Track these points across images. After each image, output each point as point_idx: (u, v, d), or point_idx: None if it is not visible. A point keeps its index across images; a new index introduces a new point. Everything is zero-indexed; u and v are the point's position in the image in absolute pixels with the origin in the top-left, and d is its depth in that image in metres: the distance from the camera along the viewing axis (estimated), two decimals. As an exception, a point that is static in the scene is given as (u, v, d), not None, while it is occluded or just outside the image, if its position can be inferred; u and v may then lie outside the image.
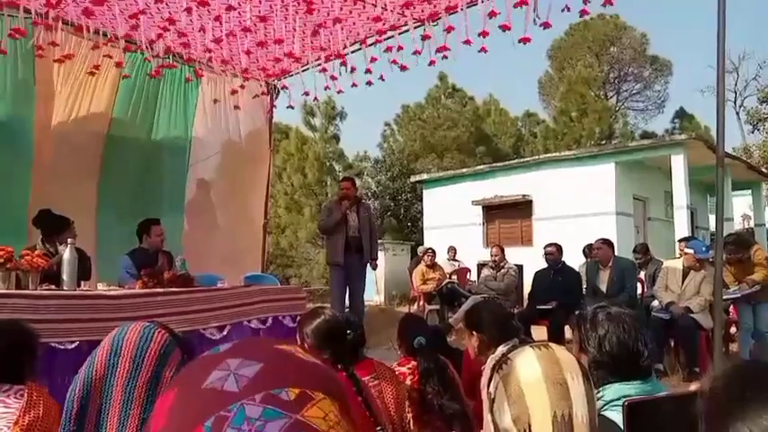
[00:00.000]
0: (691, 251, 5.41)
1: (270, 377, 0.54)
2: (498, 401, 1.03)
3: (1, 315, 2.47)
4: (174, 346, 1.20)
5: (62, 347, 2.85)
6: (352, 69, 4.98)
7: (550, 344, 1.09)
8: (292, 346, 0.61)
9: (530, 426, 0.98)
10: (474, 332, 2.34)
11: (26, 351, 1.76)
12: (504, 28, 3.70)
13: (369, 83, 4.90)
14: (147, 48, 4.61)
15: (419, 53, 4.38)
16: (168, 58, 5.01)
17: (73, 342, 2.89)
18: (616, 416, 1.34)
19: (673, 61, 26.56)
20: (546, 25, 3.66)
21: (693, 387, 1.03)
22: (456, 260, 11.13)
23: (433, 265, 9.16)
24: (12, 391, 1.59)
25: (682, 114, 26.85)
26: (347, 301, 6.17)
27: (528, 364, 1.03)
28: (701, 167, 11.24)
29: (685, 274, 5.45)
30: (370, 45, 4.87)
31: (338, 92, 5.26)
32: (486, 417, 1.08)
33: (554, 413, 0.97)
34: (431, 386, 2.31)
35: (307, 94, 5.60)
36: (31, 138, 4.92)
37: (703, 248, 5.44)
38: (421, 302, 9.10)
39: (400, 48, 4.45)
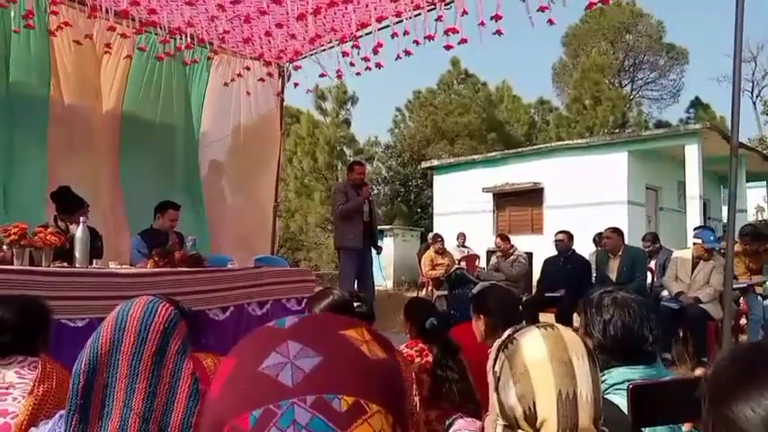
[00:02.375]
0: (699, 241, 5.38)
1: (326, 377, 0.52)
2: (503, 380, 1.04)
3: (15, 291, 2.51)
4: (180, 319, 1.21)
5: (72, 324, 2.88)
6: (366, 58, 4.96)
7: (556, 324, 1.10)
8: (359, 330, 0.58)
9: (534, 403, 0.99)
10: (481, 315, 2.35)
11: (40, 325, 1.80)
12: (542, 9, 3.66)
13: (378, 65, 4.88)
14: (162, 28, 4.62)
15: (431, 39, 4.34)
16: (180, 39, 5.01)
17: (83, 319, 2.93)
18: (619, 399, 1.34)
19: (689, 50, 26.19)
20: (543, 9, 3.64)
21: (699, 372, 1.03)
22: (465, 247, 11.14)
23: (442, 251, 9.18)
24: (26, 363, 1.62)
25: (697, 104, 26.49)
26: (355, 286, 6.19)
27: (533, 344, 1.04)
28: (716, 158, 11.13)
29: (695, 265, 5.42)
30: (382, 28, 4.83)
31: (357, 74, 5.17)
32: (492, 396, 1.09)
33: (558, 391, 0.98)
34: (441, 368, 2.33)
35: (323, 75, 5.60)
36: (46, 117, 4.96)
37: (711, 238, 5.40)
38: (429, 288, 9.13)
39: (406, 32, 4.41)
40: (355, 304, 2.31)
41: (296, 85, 6.14)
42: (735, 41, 3.19)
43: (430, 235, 10.93)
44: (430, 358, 2.52)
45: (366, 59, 4.94)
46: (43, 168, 4.86)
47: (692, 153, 11.19)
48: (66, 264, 3.34)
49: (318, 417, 0.50)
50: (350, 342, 0.56)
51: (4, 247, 3.01)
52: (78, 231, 3.44)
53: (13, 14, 4.50)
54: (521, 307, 2.63)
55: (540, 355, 1.01)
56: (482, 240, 12.25)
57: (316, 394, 0.50)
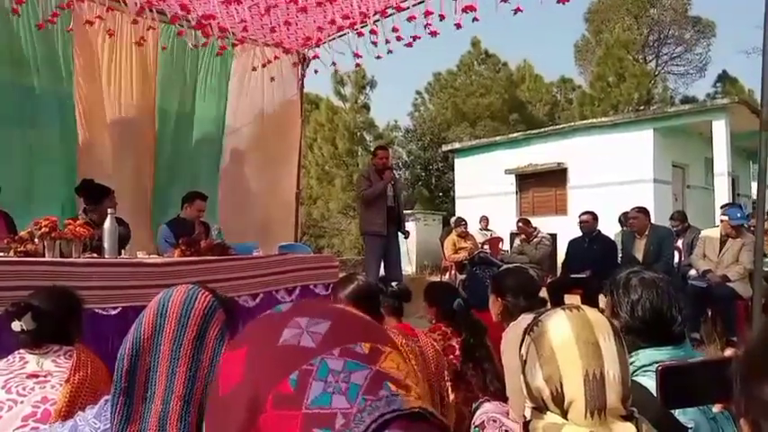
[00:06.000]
0: (726, 218, 5.27)
1: (341, 333, 0.58)
2: (530, 362, 1.05)
3: (47, 282, 2.57)
4: (218, 306, 1.25)
5: (104, 313, 2.96)
6: (386, 41, 4.91)
7: (582, 306, 1.09)
8: (343, 307, 0.65)
9: (561, 384, 0.99)
10: (499, 298, 2.32)
11: (74, 315, 1.85)
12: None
13: (409, 44, 4.84)
14: (183, 18, 4.65)
15: (443, 18, 4.28)
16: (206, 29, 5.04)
17: (115, 308, 3.00)
18: (648, 381, 1.33)
19: (716, 22, 25.42)
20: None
21: (729, 352, 1.02)
22: (488, 230, 11.08)
23: (464, 235, 9.14)
24: (62, 352, 1.68)
25: (724, 78, 25.74)
26: (382, 272, 6.18)
27: (559, 326, 1.03)
28: (745, 133, 10.84)
29: (723, 243, 5.32)
30: (393, 14, 4.80)
31: (377, 57, 5.11)
32: (519, 378, 1.10)
33: (585, 372, 0.97)
34: (471, 349, 2.33)
35: (335, 63, 5.60)
36: (73, 113, 5.03)
37: (738, 215, 5.26)
38: (452, 272, 9.11)
39: (428, 13, 4.35)
40: (394, 283, 2.34)
41: (316, 71, 6.15)
42: (766, 11, 3.10)
43: (452, 219, 10.89)
44: (454, 342, 2.53)
45: (386, 42, 4.91)
46: (73, 165, 4.95)
47: (720, 128, 10.91)
48: (95, 255, 3.40)
49: (349, 360, 0.55)
50: (345, 309, 0.64)
51: (35, 240, 3.08)
52: (106, 223, 3.50)
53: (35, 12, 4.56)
54: (545, 291, 2.58)
55: (567, 337, 1.01)
56: (505, 223, 12.17)
57: (339, 346, 0.56)
